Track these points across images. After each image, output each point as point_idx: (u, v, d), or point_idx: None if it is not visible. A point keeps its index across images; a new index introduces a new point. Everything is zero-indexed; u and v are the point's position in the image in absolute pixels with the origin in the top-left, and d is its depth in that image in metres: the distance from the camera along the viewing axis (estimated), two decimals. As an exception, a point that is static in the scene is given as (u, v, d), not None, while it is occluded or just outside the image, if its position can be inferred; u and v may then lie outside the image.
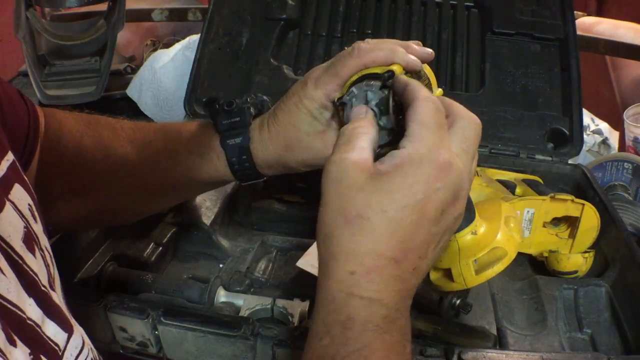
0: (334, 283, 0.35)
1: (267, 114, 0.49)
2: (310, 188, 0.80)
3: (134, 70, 1.23)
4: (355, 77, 0.42)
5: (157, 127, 0.55)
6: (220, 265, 0.68)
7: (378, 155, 0.37)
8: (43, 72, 1.14)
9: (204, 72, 0.94)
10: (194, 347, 0.52)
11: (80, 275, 0.63)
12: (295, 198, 0.79)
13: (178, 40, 1.20)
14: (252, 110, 0.50)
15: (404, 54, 0.42)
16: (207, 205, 0.74)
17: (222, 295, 0.60)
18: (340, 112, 0.43)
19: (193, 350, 0.53)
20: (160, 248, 0.67)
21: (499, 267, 0.45)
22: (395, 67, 0.41)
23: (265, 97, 0.52)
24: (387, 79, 0.40)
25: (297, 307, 0.58)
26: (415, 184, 0.34)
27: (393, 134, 0.39)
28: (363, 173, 0.35)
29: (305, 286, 0.62)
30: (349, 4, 0.98)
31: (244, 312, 0.58)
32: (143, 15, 1.48)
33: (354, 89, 0.42)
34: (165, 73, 1.10)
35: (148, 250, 0.66)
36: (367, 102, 0.40)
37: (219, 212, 0.73)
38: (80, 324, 0.39)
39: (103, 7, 1.19)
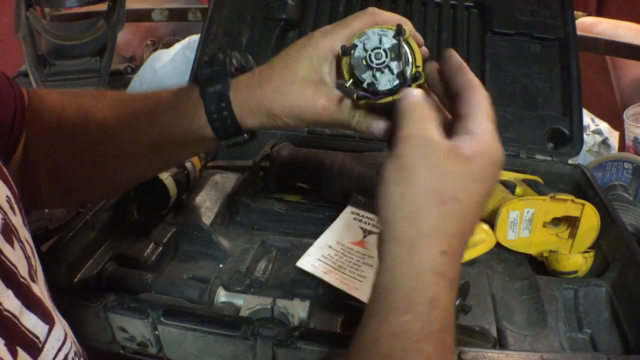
0: (423, 261, 0.36)
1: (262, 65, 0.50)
2: (311, 188, 0.80)
3: (134, 70, 1.23)
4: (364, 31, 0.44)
5: (140, 94, 0.55)
6: (220, 265, 0.68)
7: (390, 93, 0.41)
8: (43, 72, 1.14)
9: (204, 72, 0.94)
10: (194, 347, 0.52)
11: (80, 275, 0.63)
12: (295, 198, 0.79)
13: (178, 40, 1.20)
14: (234, 62, 0.50)
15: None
16: (207, 205, 0.74)
17: (222, 295, 0.60)
18: (345, 59, 0.43)
19: (193, 350, 0.53)
20: (160, 248, 0.67)
21: (481, 249, 0.47)
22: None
23: (249, 56, 0.52)
24: (400, 27, 0.42)
25: (297, 307, 0.58)
26: (492, 174, 0.38)
27: (400, 79, 0.42)
28: (451, 156, 0.37)
29: (305, 286, 0.62)
30: (349, 4, 0.98)
31: (244, 312, 0.58)
32: (143, 15, 1.48)
33: (367, 32, 0.43)
34: (165, 73, 1.10)
35: (148, 250, 0.66)
36: (380, 44, 0.42)
37: (219, 212, 0.73)
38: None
39: (103, 7, 1.19)
